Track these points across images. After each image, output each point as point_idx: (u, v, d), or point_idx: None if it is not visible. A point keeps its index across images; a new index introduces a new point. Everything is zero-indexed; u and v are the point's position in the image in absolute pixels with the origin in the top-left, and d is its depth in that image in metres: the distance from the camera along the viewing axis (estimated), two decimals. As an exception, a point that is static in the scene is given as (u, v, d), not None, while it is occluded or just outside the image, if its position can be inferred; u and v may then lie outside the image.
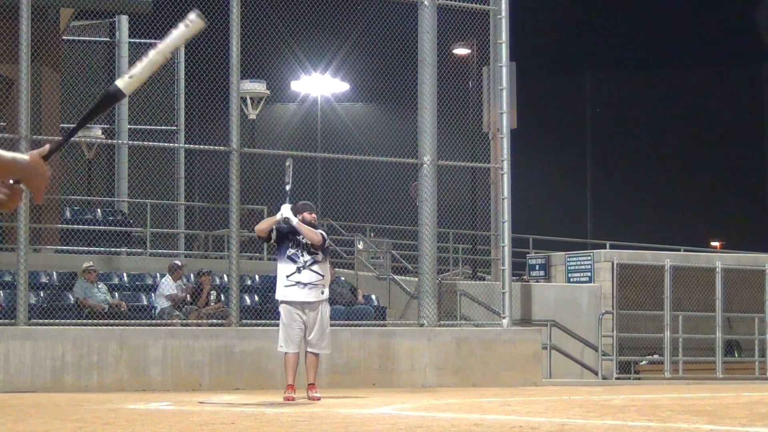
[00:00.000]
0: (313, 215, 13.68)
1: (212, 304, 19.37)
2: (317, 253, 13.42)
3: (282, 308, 13.58)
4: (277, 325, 16.79)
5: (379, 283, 23.87)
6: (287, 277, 13.41)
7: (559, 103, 47.08)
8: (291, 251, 13.41)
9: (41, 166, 3.57)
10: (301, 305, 13.45)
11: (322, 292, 13.52)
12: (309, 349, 13.57)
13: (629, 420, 9.92)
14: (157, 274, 20.58)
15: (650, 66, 47.58)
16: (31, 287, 17.25)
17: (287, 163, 13.74)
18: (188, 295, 19.48)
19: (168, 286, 19.29)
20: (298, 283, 13.40)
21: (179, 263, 19.86)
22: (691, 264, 25.07)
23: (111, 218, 24.69)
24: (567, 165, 47.43)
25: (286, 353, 13.54)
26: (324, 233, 13.51)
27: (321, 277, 13.45)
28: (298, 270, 13.40)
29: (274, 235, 13.47)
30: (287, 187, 13.60)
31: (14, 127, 17.40)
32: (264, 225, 13.61)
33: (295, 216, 13.49)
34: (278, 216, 13.38)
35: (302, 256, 13.40)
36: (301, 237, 13.42)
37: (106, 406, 12.44)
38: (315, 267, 13.42)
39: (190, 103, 28.83)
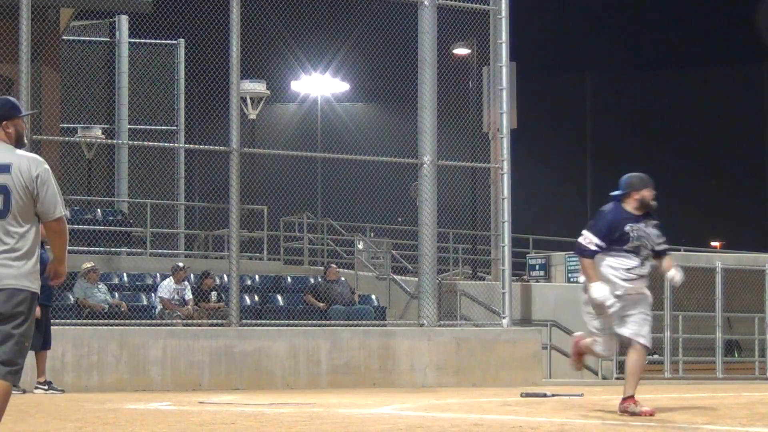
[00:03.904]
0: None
1: (213, 303, 19.35)
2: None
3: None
4: (277, 325, 16.76)
5: (379, 283, 23.85)
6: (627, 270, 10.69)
7: (559, 103, 47.05)
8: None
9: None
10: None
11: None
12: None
13: (629, 420, 9.92)
14: (157, 274, 20.55)
15: (650, 66, 47.55)
16: (31, 287, 17.18)
17: None
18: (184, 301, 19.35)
19: (166, 288, 19.17)
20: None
21: (182, 264, 19.74)
22: (691, 264, 25.03)
23: (111, 218, 24.67)
24: (567, 165, 47.40)
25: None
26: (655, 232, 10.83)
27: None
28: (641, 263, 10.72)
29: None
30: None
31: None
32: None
33: (638, 191, 10.81)
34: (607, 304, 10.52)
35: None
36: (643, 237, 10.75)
37: (106, 406, 12.44)
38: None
39: (190, 103, 28.82)
